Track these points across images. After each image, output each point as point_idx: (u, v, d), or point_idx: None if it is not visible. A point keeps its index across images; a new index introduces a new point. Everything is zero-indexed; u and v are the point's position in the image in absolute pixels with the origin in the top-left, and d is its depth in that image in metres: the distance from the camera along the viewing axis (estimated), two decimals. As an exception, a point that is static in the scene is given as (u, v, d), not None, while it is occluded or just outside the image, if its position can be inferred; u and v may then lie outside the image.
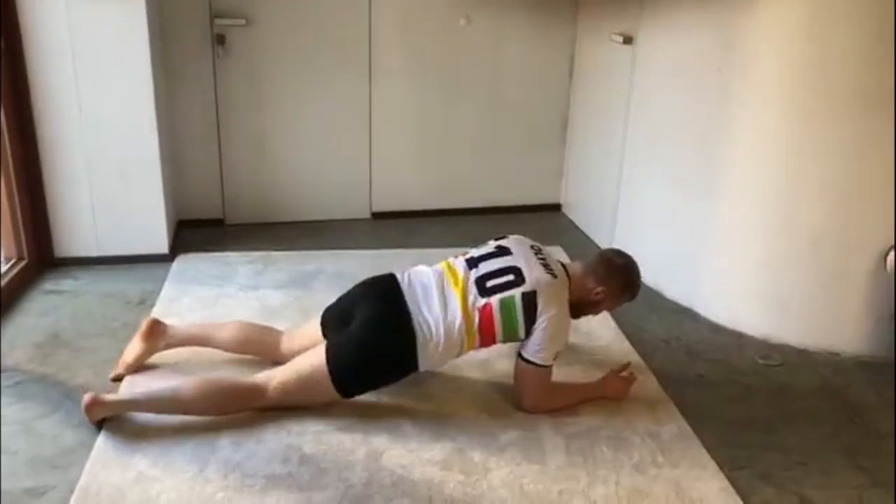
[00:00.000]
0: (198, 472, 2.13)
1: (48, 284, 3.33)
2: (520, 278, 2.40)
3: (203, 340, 2.68)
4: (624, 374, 2.58)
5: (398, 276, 2.49)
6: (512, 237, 2.60)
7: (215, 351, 2.67)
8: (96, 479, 2.09)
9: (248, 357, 2.66)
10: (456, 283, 2.42)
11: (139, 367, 2.62)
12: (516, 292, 2.36)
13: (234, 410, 2.36)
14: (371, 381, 2.42)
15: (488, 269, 2.45)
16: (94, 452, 2.20)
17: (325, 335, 2.50)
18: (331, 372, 2.34)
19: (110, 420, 2.33)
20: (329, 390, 2.36)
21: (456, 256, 2.56)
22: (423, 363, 2.38)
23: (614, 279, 2.53)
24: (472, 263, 2.48)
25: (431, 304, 2.39)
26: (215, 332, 2.68)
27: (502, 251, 2.51)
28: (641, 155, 3.58)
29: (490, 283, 2.40)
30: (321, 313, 2.57)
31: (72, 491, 2.05)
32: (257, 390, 2.36)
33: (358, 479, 2.14)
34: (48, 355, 2.75)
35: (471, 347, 2.42)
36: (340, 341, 2.38)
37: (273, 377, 2.39)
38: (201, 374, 2.53)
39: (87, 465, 2.15)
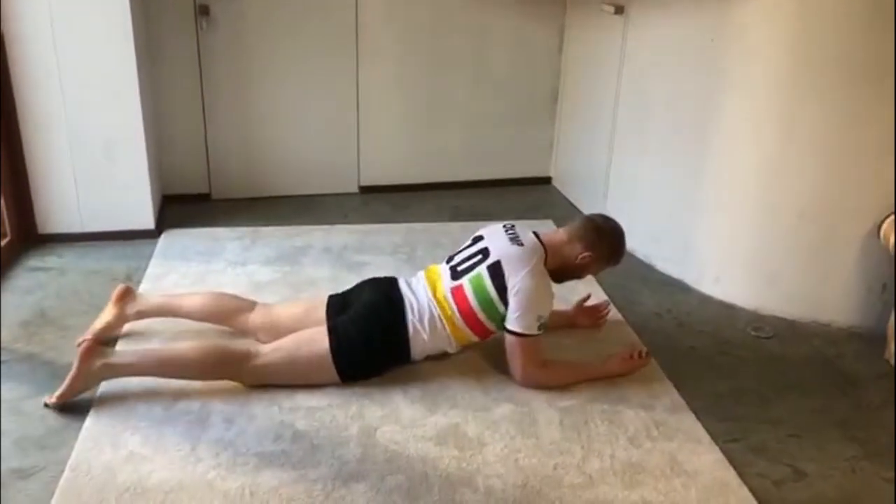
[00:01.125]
0: (189, 451, 2.11)
1: (33, 262, 3.28)
2: (485, 255, 2.47)
3: (173, 309, 2.67)
4: (634, 355, 2.54)
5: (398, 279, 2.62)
6: (488, 226, 2.64)
7: (188, 323, 2.66)
8: (86, 459, 2.07)
9: (220, 328, 2.65)
10: (430, 279, 2.54)
11: (110, 337, 2.62)
12: (482, 267, 2.44)
13: (228, 374, 2.35)
14: (367, 361, 2.42)
15: (461, 257, 2.55)
16: (83, 432, 2.17)
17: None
18: (331, 343, 2.35)
19: (99, 400, 2.31)
20: (324, 360, 2.35)
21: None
22: (415, 351, 2.45)
23: (603, 244, 2.53)
24: (449, 259, 2.61)
25: (418, 297, 2.48)
26: (185, 301, 2.68)
27: (476, 241, 2.59)
28: (632, 127, 3.55)
29: (460, 268, 2.50)
30: (325, 300, 2.59)
31: (62, 471, 2.03)
32: (249, 352, 2.37)
33: (352, 456, 2.12)
34: (34, 334, 2.71)
35: (461, 338, 2.49)
36: (342, 318, 2.43)
37: (268, 344, 2.42)
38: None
39: (77, 445, 2.12)
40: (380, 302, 2.47)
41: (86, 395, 2.31)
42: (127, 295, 2.66)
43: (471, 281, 2.44)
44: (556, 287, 2.52)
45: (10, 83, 3.20)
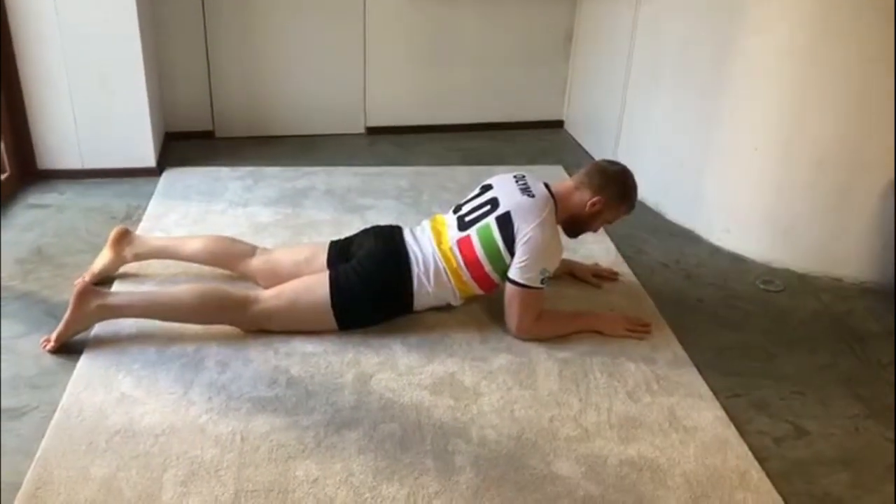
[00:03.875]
0: (182, 394, 2.09)
1: (31, 198, 3.24)
2: (495, 206, 2.39)
3: (172, 252, 2.63)
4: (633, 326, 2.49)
5: (403, 229, 2.55)
6: (497, 175, 2.56)
7: (186, 265, 2.63)
8: (78, 400, 2.05)
9: (218, 271, 2.62)
10: (436, 229, 2.48)
11: (107, 278, 2.59)
12: (490, 218, 2.37)
13: (226, 318, 2.33)
14: (367, 308, 2.38)
15: (469, 207, 2.48)
16: (75, 373, 2.16)
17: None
18: (331, 292, 2.31)
19: (93, 341, 2.28)
20: (324, 308, 2.32)
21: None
22: (418, 304, 2.42)
23: (611, 187, 2.43)
24: (457, 209, 2.53)
25: (423, 249, 2.42)
26: (185, 244, 2.64)
27: (485, 190, 2.52)
28: (647, 72, 3.43)
29: (468, 218, 2.43)
30: (327, 245, 2.55)
31: (53, 411, 2.01)
32: (249, 297, 2.33)
33: (346, 403, 2.09)
34: (30, 272, 2.68)
35: (465, 291, 2.44)
36: (345, 267, 2.38)
37: (269, 290, 2.38)
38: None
39: (69, 386, 2.10)
40: (385, 253, 2.41)
41: (80, 335, 2.29)
42: (125, 237, 2.62)
43: (479, 231, 2.37)
44: (567, 241, 2.46)
45: (4, 13, 3.11)
